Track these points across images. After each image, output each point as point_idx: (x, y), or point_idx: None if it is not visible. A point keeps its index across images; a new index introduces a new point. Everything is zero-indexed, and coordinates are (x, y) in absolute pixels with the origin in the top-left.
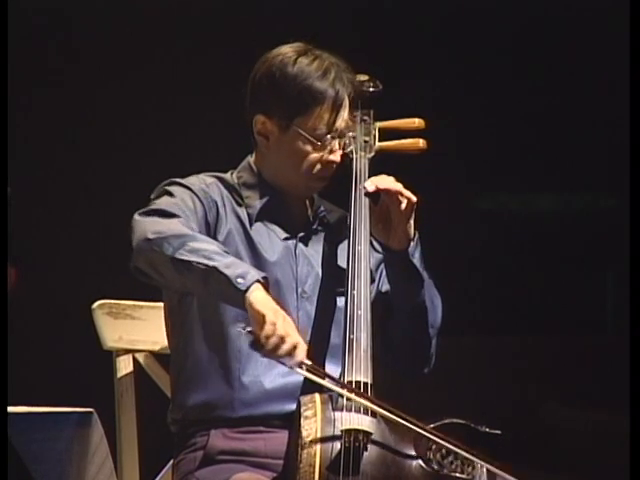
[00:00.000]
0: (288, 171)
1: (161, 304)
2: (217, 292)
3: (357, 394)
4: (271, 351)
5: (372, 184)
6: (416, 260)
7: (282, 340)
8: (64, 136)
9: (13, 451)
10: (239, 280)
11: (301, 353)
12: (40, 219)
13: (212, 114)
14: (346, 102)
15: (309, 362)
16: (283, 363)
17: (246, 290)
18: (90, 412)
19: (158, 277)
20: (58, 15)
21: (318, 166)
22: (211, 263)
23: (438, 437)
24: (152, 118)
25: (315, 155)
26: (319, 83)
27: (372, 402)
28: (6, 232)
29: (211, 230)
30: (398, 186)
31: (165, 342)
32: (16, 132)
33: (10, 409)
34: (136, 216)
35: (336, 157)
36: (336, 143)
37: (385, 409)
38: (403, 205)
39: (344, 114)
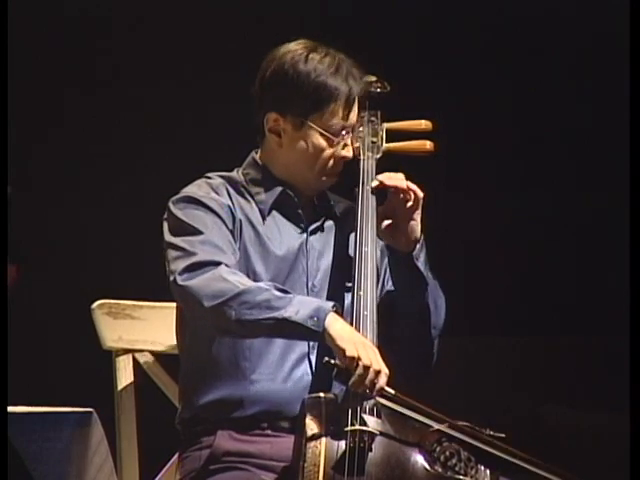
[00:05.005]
0: (301, 167)
1: (161, 304)
2: (293, 336)
3: (452, 427)
4: (356, 384)
5: (380, 180)
6: (420, 263)
7: (365, 371)
8: (64, 135)
9: (13, 451)
10: (312, 322)
11: (382, 380)
12: (40, 219)
13: (210, 113)
14: (356, 97)
15: (392, 391)
16: (369, 396)
17: (322, 329)
18: (90, 412)
19: (225, 333)
20: (57, 15)
21: (331, 162)
22: (279, 315)
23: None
24: (152, 118)
25: (329, 151)
26: (333, 79)
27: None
28: (6, 232)
29: (234, 232)
30: (406, 183)
31: (165, 342)
32: (16, 132)
33: (10, 409)
34: (180, 281)
35: (349, 152)
36: (349, 138)
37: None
38: (410, 202)
39: (356, 109)
